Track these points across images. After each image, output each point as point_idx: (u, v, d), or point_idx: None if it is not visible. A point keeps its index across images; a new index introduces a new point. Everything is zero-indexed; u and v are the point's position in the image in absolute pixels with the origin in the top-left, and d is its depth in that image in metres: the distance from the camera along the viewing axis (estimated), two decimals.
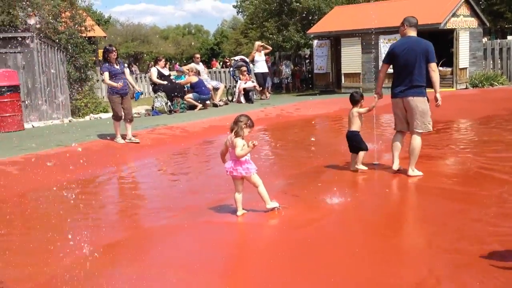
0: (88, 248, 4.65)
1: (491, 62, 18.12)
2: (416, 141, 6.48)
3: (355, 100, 6.82)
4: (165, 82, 14.14)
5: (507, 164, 6.90)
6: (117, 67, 9.41)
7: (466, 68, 16.98)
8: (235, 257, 4.54)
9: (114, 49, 9.46)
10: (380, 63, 16.74)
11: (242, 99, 16.22)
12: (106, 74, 9.32)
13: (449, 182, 6.32)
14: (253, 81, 16.68)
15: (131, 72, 28.77)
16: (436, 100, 6.60)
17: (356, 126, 6.85)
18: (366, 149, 6.87)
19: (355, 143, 6.85)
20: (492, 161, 7.11)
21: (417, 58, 6.37)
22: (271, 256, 4.37)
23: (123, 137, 9.63)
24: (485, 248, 4.10)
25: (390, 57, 6.57)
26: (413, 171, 6.50)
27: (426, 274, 3.75)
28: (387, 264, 4.01)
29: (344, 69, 18.08)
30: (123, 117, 9.57)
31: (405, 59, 6.39)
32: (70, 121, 14.45)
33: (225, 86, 19.43)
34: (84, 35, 17.34)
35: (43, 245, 4.88)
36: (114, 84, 9.23)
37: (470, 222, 4.78)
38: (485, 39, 19.30)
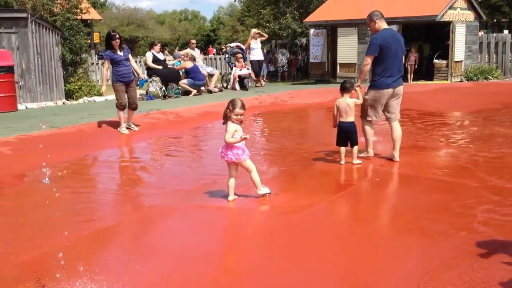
0: (80, 231, 4.69)
1: (487, 56, 18.16)
2: (400, 127, 6.83)
3: (347, 89, 6.64)
4: (160, 67, 14.10)
5: (498, 157, 6.97)
6: (120, 53, 9.07)
7: (461, 61, 17.02)
8: (226, 241, 4.58)
9: (117, 35, 9.07)
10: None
11: (237, 86, 16.20)
12: (107, 63, 9.07)
13: (440, 173, 6.37)
14: (248, 69, 16.65)
15: None
16: None
17: (353, 117, 6.68)
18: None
19: (354, 135, 6.64)
20: (483, 154, 7.17)
21: (402, 49, 6.74)
22: (261, 242, 4.43)
23: (127, 126, 9.43)
24: (473, 237, 4.17)
25: (380, 49, 6.56)
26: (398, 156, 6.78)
27: (413, 263, 3.80)
28: (375, 251, 4.06)
29: (340, 59, 18.08)
30: (127, 105, 9.33)
31: (395, 50, 6.60)
32: (63, 103, 14.40)
33: (220, 73, 19.40)
34: (79, 17, 17.21)
35: (33, 226, 4.90)
36: (104, 81, 9.12)
37: (459, 212, 4.84)
38: (481, 33, 19.33)
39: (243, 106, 5.21)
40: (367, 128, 6.94)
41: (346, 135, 6.65)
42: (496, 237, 4.18)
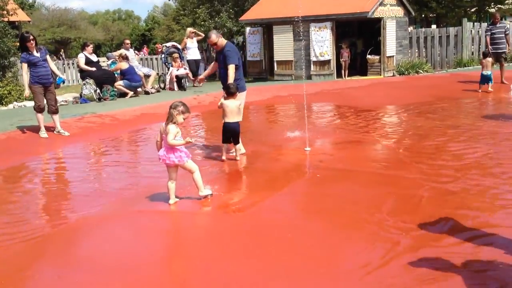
0: (12, 241, 4.47)
1: (416, 50, 18.78)
2: None
3: (232, 93, 6.94)
4: (93, 69, 13.70)
5: (433, 148, 7.21)
6: (37, 54, 8.84)
7: (393, 56, 17.52)
8: (170, 247, 4.49)
9: (31, 36, 8.82)
10: (312, 51, 17.07)
11: (175, 86, 16.00)
12: (25, 66, 8.80)
13: (378, 166, 6.53)
14: (185, 68, 16.48)
15: (60, 59, 27.70)
16: None
17: (239, 117, 7.08)
18: None
19: (238, 134, 7.07)
20: (418, 145, 7.40)
21: None
22: (206, 244, 4.37)
23: (49, 129, 9.13)
24: (413, 228, 4.29)
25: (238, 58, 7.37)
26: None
27: (356, 256, 3.86)
28: (320, 247, 4.09)
29: (277, 57, 18.20)
30: (46, 109, 9.09)
31: (240, 61, 7.42)
32: None
33: (157, 73, 19.10)
34: (6, 19, 16.45)
35: None
36: (26, 85, 8.77)
37: (398, 204, 4.96)
38: (410, 28, 19.97)
39: (188, 109, 5.26)
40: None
41: (232, 134, 7.02)
42: (436, 226, 4.32)
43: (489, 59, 12.49)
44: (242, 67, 7.54)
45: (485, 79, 12.34)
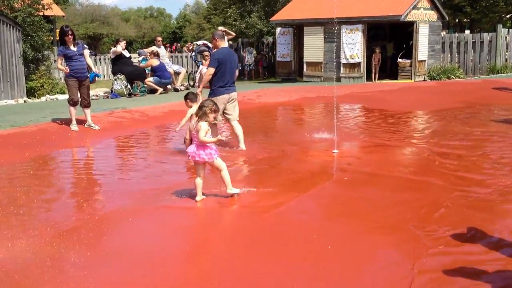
0: (40, 234, 4.54)
1: (449, 55, 18.50)
2: (239, 125, 7.79)
3: (195, 99, 7.06)
4: (128, 54, 13.88)
5: (462, 155, 7.08)
6: (74, 48, 8.98)
7: (424, 60, 17.30)
8: (194, 243, 4.51)
9: (70, 30, 8.97)
10: (342, 53, 16.97)
11: None
12: (59, 59, 8.96)
13: (406, 171, 6.45)
14: None
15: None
16: None
17: None
18: None
19: None
20: (448, 152, 7.28)
21: (235, 64, 7.89)
22: (230, 242, 4.38)
23: (79, 122, 9.28)
24: (441, 235, 4.22)
25: (218, 63, 7.54)
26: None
27: (382, 261, 3.82)
28: (345, 251, 4.06)
29: (306, 58, 18.14)
30: (79, 102, 9.26)
31: (230, 64, 7.69)
32: (25, 101, 14.03)
33: (187, 71, 19.23)
34: (41, 13, 16.78)
35: None
36: (62, 68, 8.88)
37: (426, 210, 4.89)
38: (443, 33, 19.67)
39: (219, 109, 5.38)
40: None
41: None
42: (465, 234, 4.24)
43: None
44: (231, 75, 7.70)
45: None
